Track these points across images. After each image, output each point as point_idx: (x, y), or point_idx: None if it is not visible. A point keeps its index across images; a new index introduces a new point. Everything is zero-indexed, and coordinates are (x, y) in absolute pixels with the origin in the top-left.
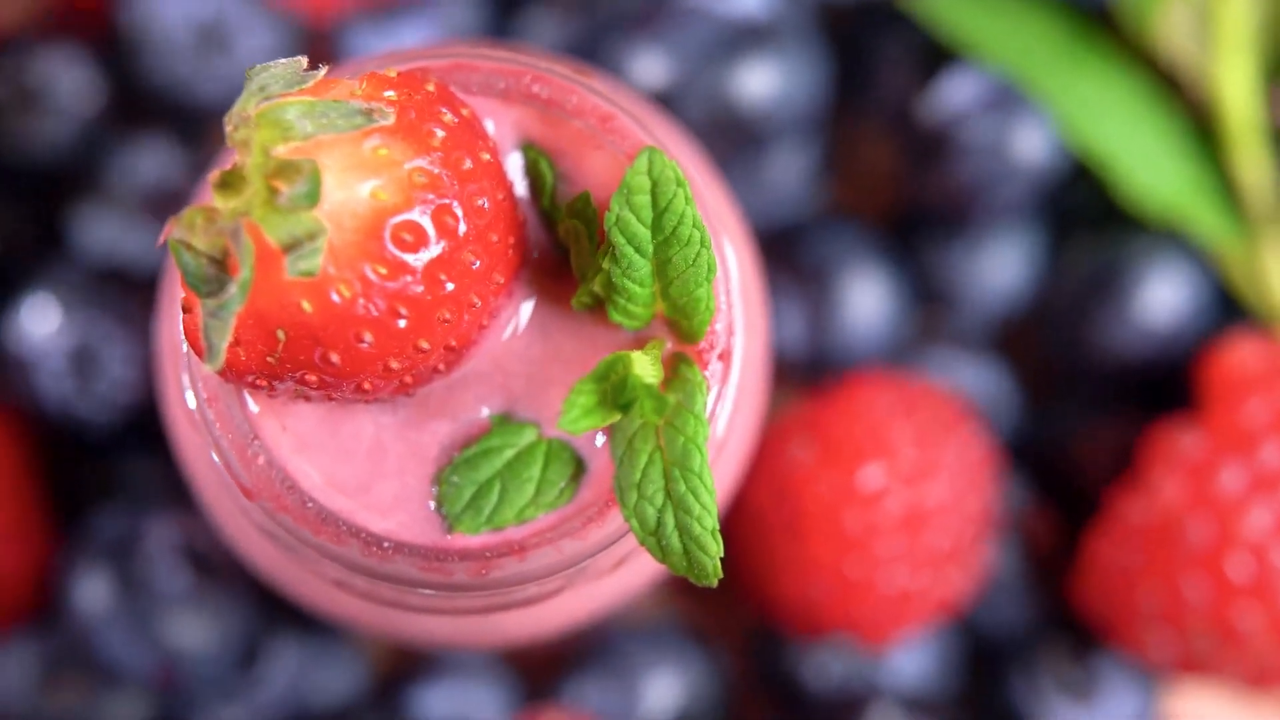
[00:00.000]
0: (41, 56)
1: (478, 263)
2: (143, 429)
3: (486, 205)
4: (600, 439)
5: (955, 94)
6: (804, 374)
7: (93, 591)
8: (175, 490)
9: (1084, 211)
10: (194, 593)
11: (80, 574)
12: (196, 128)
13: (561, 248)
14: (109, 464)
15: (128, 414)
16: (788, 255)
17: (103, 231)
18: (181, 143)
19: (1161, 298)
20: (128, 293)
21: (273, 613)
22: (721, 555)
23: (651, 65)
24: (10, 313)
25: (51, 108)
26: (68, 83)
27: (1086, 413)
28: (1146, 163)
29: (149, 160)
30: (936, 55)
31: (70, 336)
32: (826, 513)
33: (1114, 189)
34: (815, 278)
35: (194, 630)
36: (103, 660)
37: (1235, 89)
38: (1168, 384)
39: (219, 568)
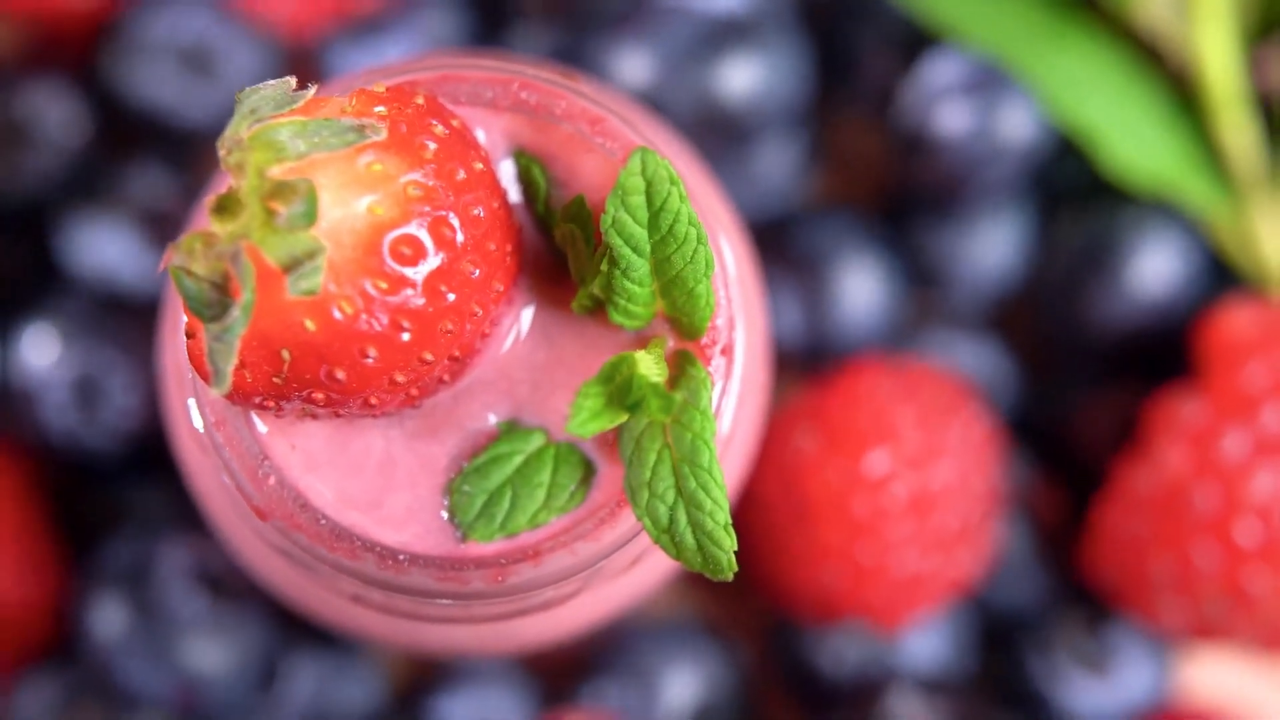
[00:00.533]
0: (27, 90)
1: (477, 272)
2: (150, 455)
3: (482, 214)
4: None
5: (937, 77)
6: (804, 364)
7: (109, 619)
8: (186, 514)
9: (1072, 187)
10: (210, 615)
11: (95, 603)
12: (186, 152)
13: (559, 252)
14: (118, 491)
15: (133, 441)
16: (781, 247)
17: (98, 260)
18: (172, 167)
19: (1154, 268)
20: (127, 320)
21: (290, 631)
22: (735, 549)
23: (636, 66)
24: (10, 345)
25: (40, 140)
26: (55, 114)
27: (1087, 386)
28: (1132, 135)
29: (141, 187)
30: (917, 40)
31: (71, 367)
32: (834, 500)
33: (1101, 163)
34: (809, 268)
35: (212, 653)
36: (122, 687)
37: (1216, 56)
38: (1165, 353)
39: (234, 589)
